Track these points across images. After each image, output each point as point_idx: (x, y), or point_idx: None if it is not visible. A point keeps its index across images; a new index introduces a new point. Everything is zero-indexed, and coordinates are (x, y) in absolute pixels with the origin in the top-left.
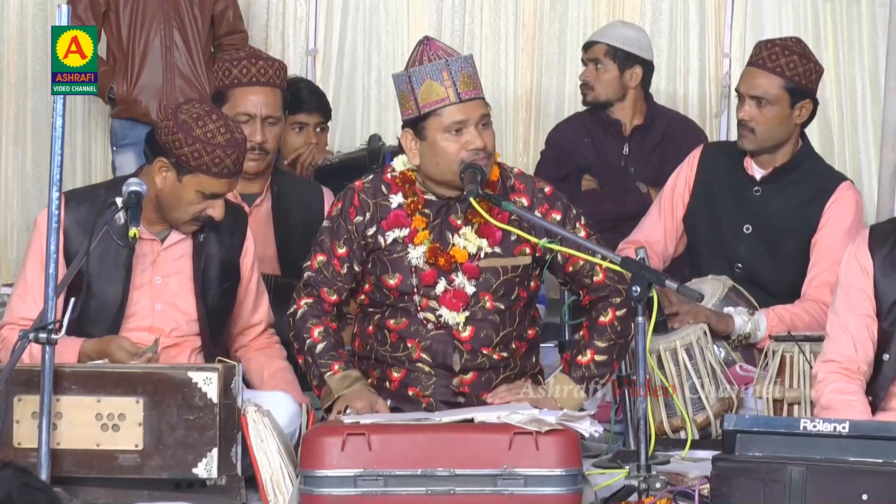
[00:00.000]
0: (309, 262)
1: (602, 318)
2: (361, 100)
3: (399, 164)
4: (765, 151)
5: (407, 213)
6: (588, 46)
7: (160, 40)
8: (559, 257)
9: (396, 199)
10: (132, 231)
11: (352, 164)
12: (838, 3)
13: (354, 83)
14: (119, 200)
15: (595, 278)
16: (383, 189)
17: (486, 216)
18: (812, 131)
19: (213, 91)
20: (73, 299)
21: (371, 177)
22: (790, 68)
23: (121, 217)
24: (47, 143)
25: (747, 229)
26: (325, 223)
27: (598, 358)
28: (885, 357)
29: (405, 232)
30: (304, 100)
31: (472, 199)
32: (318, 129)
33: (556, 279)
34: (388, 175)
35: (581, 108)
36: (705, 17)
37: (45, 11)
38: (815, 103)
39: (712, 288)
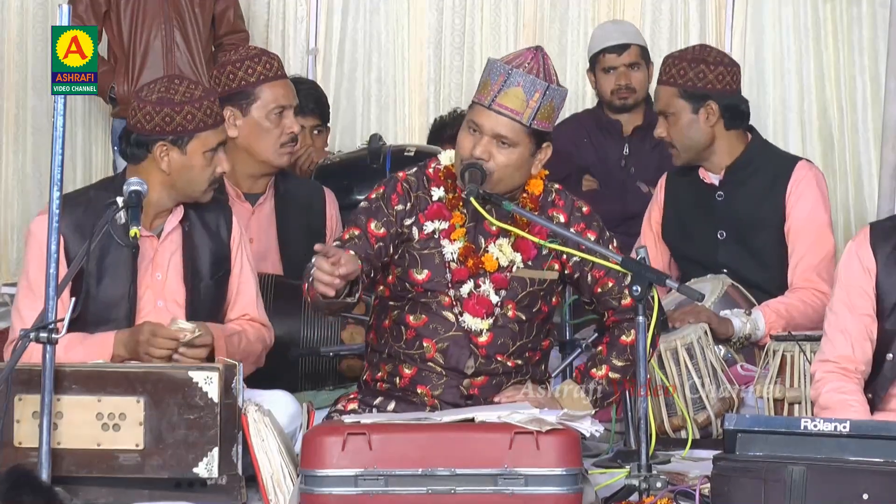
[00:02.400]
0: (340, 235)
1: (624, 338)
2: (361, 100)
3: (445, 158)
4: (697, 160)
5: (448, 207)
6: (623, 49)
7: (161, 40)
8: (589, 278)
9: (438, 193)
10: (133, 231)
11: (352, 164)
12: (838, 3)
13: (354, 83)
14: (119, 200)
15: (623, 301)
16: (425, 182)
17: (490, 219)
18: (812, 131)
19: (231, 90)
20: (73, 299)
21: (415, 170)
22: (681, 76)
23: (122, 217)
24: (47, 143)
25: (721, 235)
26: (363, 204)
27: (612, 375)
28: (889, 357)
29: (444, 225)
30: (301, 102)
31: (472, 199)
32: (315, 132)
33: (582, 297)
34: (431, 169)
35: (580, 108)
36: (705, 17)
37: (46, 11)
38: (727, 103)
39: (711, 287)
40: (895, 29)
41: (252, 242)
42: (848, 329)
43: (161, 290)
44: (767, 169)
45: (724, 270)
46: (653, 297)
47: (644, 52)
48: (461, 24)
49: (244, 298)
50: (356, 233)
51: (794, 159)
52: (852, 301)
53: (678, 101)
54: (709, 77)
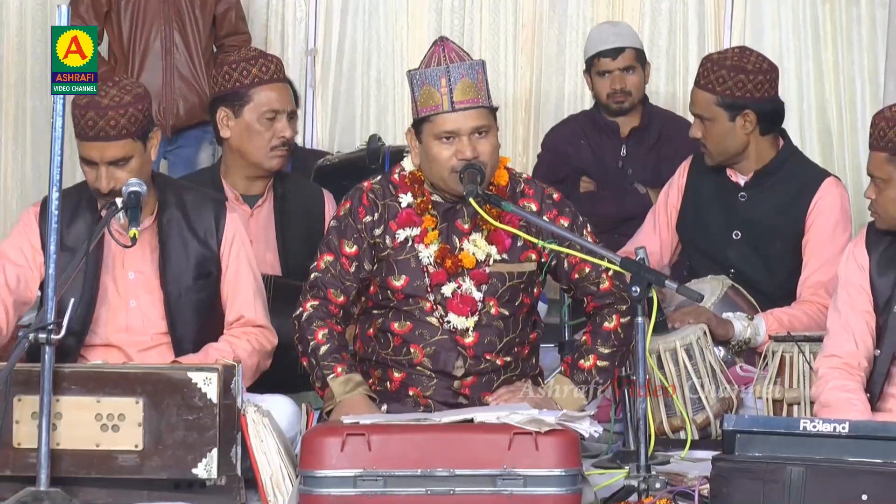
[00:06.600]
0: (315, 263)
1: (606, 324)
2: (361, 100)
3: (409, 164)
4: (728, 163)
5: (417, 212)
6: (617, 53)
7: (160, 42)
8: (565, 264)
9: (406, 199)
10: (132, 231)
11: (351, 164)
12: (838, 3)
13: (354, 83)
14: (119, 201)
15: (601, 286)
16: (391, 189)
17: (489, 219)
18: (812, 131)
19: (226, 91)
20: (72, 299)
21: (379, 178)
22: (720, 83)
23: (121, 217)
24: (47, 143)
25: (736, 235)
26: (333, 223)
27: (600, 364)
28: (877, 353)
29: (416, 231)
30: None
31: (471, 200)
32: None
33: (559, 285)
34: (397, 175)
35: (578, 109)
36: (705, 17)
37: (45, 11)
38: (765, 110)
39: (711, 288)
40: (894, 29)
41: (251, 244)
42: (851, 325)
43: (135, 290)
44: (795, 179)
45: (732, 271)
46: (650, 298)
47: (640, 54)
48: (460, 25)
49: (240, 300)
50: (330, 259)
51: (823, 174)
52: (853, 299)
53: (715, 109)
54: (748, 87)
